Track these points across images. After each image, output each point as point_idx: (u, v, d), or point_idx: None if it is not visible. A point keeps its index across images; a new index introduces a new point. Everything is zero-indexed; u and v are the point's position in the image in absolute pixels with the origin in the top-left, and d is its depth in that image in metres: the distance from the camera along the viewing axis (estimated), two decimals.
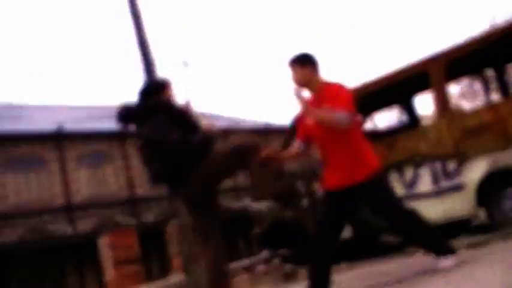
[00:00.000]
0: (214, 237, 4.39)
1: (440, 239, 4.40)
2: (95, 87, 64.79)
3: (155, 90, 4.56)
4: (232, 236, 28.89)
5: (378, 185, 4.38)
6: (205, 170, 4.23)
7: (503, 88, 9.10)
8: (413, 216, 4.42)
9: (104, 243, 12.15)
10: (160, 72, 9.09)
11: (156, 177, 4.38)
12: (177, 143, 4.21)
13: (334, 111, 4.17)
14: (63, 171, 29.32)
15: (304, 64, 4.54)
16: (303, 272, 6.98)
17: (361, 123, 4.48)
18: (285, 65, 4.55)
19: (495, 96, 14.51)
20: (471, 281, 3.43)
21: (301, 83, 4.54)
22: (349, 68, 68.75)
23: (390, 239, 8.49)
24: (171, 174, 4.27)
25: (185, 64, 21.49)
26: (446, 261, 4.18)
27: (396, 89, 7.43)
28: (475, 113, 7.01)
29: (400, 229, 4.65)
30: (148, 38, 8.81)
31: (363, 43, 73.76)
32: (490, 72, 12.20)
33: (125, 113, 4.49)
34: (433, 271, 4.29)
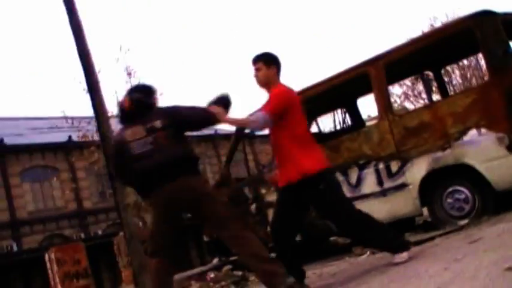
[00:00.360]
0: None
1: (391, 236, 4.54)
2: (34, 98, 63.14)
3: (153, 92, 4.61)
4: (184, 245, 28.62)
5: (313, 188, 4.44)
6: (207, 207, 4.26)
7: (442, 89, 9.36)
8: (363, 219, 4.51)
9: (51, 258, 11.81)
10: (102, 80, 8.94)
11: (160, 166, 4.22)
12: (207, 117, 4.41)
13: (251, 115, 4.33)
14: (7, 186, 28.47)
15: (270, 64, 4.60)
16: (253, 278, 6.97)
17: (293, 125, 4.54)
18: (244, 63, 4.63)
19: (437, 97, 14.90)
20: (414, 277, 3.49)
21: (263, 82, 4.64)
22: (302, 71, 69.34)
23: (338, 240, 8.59)
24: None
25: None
26: (401, 256, 4.33)
27: (339, 91, 7.52)
28: (416, 113, 7.19)
29: (349, 232, 4.75)
30: (90, 46, 8.65)
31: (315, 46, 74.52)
32: (430, 74, 12.51)
33: (138, 101, 4.41)
34: (378, 270, 4.37)
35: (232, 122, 4.69)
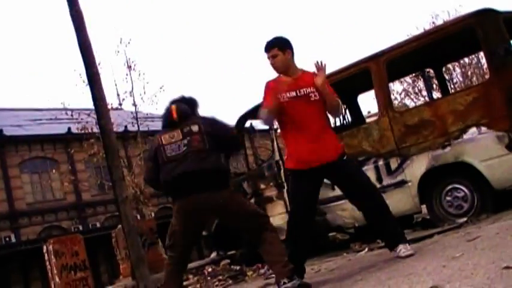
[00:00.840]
0: None
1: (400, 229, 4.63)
2: (34, 89, 63.00)
3: (195, 104, 4.71)
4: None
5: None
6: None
7: (442, 86, 9.36)
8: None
9: (49, 250, 11.82)
10: (103, 72, 8.93)
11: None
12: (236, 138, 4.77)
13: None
14: (6, 178, 28.48)
15: (285, 48, 4.61)
16: (250, 273, 6.99)
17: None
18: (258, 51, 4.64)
19: (438, 95, 14.89)
20: (412, 274, 3.49)
21: (282, 68, 4.63)
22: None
23: (337, 236, 8.61)
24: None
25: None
26: (406, 249, 4.39)
27: (339, 87, 7.50)
28: (416, 110, 7.18)
29: (372, 215, 4.72)
30: (90, 38, 8.61)
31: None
32: (431, 71, 12.50)
33: (184, 112, 4.52)
34: (376, 266, 4.38)
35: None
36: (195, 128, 4.36)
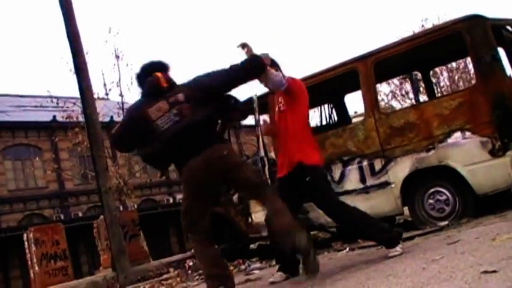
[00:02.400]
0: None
1: (386, 230, 4.67)
2: (20, 76, 62.39)
3: (168, 68, 4.59)
4: (164, 231, 28.63)
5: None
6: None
7: (429, 90, 9.42)
8: (356, 212, 4.76)
9: (29, 238, 11.75)
10: (90, 62, 8.88)
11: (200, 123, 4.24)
12: (238, 76, 4.44)
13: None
14: None
15: (276, 66, 4.87)
16: (232, 268, 6.99)
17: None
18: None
19: (424, 98, 14.98)
20: (392, 275, 3.52)
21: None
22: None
23: (318, 235, 8.63)
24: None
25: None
26: (395, 250, 4.48)
27: (327, 86, 7.54)
28: (402, 113, 7.22)
29: (345, 223, 4.97)
30: (79, 27, 8.58)
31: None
32: (418, 74, 12.58)
33: (170, 80, 4.44)
34: (356, 266, 4.40)
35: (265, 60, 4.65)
36: (180, 97, 4.28)
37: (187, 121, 4.21)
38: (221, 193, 4.58)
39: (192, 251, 9.33)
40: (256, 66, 4.55)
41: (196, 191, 4.30)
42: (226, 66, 4.47)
